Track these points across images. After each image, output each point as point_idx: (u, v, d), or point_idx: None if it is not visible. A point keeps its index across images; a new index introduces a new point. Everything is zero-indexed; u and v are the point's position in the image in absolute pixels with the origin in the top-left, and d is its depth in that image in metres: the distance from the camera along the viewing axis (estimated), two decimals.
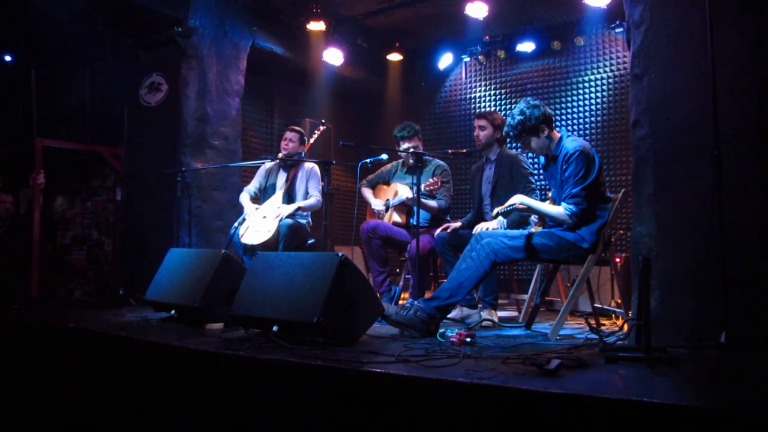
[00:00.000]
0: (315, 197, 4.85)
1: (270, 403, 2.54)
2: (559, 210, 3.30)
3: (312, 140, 5.27)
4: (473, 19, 5.88)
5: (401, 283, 4.85)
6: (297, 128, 5.07)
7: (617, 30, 6.15)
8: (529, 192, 3.97)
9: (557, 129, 3.50)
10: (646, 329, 2.45)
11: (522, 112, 3.40)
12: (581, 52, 6.57)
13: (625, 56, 6.20)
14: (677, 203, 2.87)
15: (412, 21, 6.52)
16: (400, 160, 4.92)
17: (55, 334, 3.60)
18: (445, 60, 7.26)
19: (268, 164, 5.12)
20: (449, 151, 4.65)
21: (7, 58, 6.04)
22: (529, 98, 3.52)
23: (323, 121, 5.21)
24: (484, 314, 3.94)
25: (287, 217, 4.65)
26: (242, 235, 4.59)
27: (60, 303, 5.68)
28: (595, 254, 3.32)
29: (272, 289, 3.15)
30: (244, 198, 4.96)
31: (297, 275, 3.09)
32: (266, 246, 4.47)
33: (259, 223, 4.63)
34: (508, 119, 3.48)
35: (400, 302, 4.54)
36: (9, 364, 3.80)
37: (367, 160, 4.48)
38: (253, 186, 5.07)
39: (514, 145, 4.61)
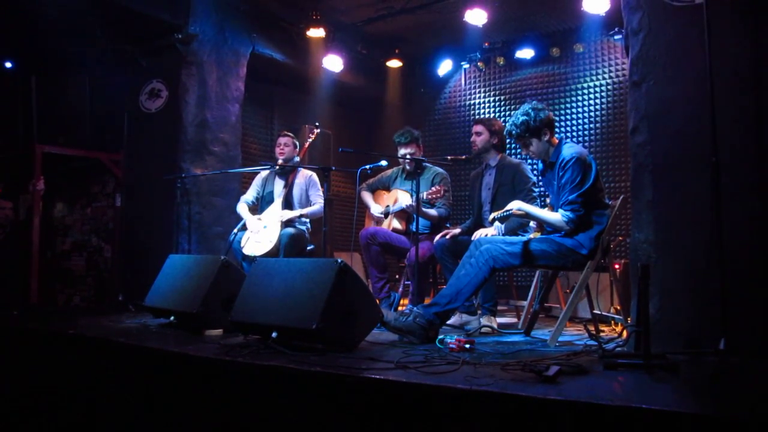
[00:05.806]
0: (318, 204, 4.85)
1: (269, 409, 2.53)
2: (556, 216, 3.30)
3: (307, 144, 5.27)
4: (472, 26, 5.90)
5: (400, 289, 4.84)
6: (289, 133, 5.07)
7: (616, 37, 6.18)
8: (530, 200, 3.97)
9: (555, 135, 3.51)
10: (645, 336, 2.45)
11: (526, 113, 3.42)
12: (580, 59, 6.59)
13: (623, 63, 6.21)
14: (676, 210, 2.87)
15: (412, 28, 6.54)
16: (401, 166, 4.91)
17: (54, 341, 3.59)
18: (445, 66, 7.29)
19: (264, 173, 5.13)
20: (449, 157, 4.65)
21: (8, 64, 6.05)
22: (534, 101, 3.55)
23: (317, 123, 5.20)
24: (483, 320, 3.94)
25: (287, 225, 4.64)
26: (244, 246, 4.57)
27: (59, 309, 5.68)
28: (594, 261, 3.32)
29: (271, 296, 3.15)
30: (243, 209, 4.94)
31: (296, 281, 3.08)
32: (268, 256, 4.46)
33: (260, 233, 4.61)
34: (512, 119, 3.49)
35: (400, 308, 4.54)
36: (8, 371, 3.79)
37: (367, 167, 4.48)
38: (250, 195, 5.07)
39: (515, 150, 4.61)
